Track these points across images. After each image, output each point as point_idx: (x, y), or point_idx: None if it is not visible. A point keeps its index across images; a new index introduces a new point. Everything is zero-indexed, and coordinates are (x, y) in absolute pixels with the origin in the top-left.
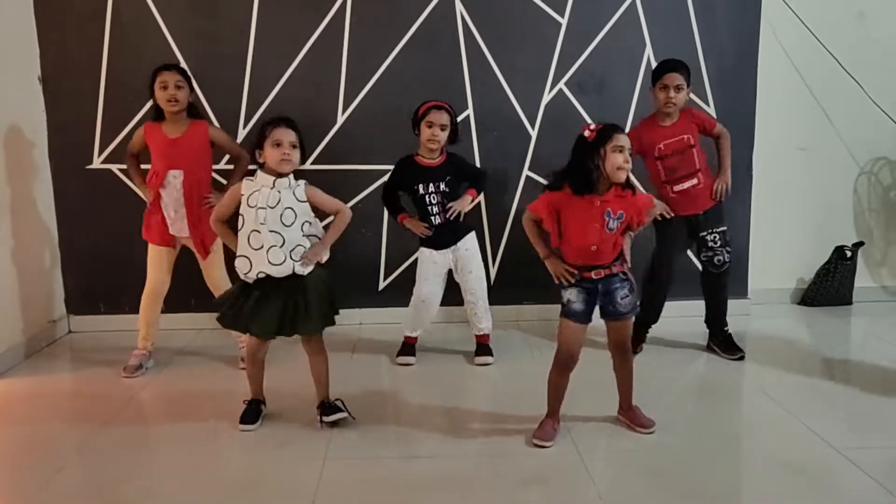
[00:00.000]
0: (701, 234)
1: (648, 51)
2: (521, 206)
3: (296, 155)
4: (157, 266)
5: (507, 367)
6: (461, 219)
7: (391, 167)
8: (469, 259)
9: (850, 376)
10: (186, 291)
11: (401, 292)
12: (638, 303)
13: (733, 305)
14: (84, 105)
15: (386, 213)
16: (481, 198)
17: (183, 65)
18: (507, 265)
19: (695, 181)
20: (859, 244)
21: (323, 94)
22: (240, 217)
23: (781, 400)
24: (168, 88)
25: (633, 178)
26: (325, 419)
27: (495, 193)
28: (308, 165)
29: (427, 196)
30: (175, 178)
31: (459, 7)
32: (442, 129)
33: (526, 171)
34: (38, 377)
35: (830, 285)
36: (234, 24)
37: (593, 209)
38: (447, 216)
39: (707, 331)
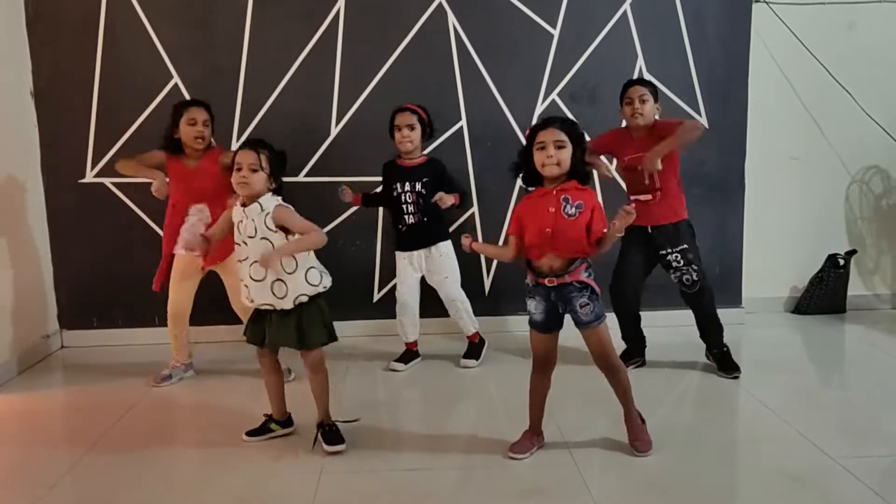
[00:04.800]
0: (661, 253)
1: (640, 61)
2: None
3: (256, 178)
4: (178, 287)
5: (503, 377)
6: (441, 221)
7: None
8: (444, 264)
9: (844, 384)
10: None
11: (396, 304)
12: (603, 312)
13: (728, 314)
14: (76, 119)
15: (380, 225)
16: (475, 209)
17: (175, 76)
18: (501, 275)
19: (649, 197)
20: (852, 252)
21: (316, 106)
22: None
23: (776, 409)
24: (197, 125)
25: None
26: (327, 448)
27: (489, 204)
28: (301, 177)
29: (402, 195)
30: (201, 211)
31: (452, 19)
32: (411, 129)
33: (519, 183)
34: (31, 393)
35: (824, 293)
36: (227, 36)
37: (550, 196)
38: (432, 201)
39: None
